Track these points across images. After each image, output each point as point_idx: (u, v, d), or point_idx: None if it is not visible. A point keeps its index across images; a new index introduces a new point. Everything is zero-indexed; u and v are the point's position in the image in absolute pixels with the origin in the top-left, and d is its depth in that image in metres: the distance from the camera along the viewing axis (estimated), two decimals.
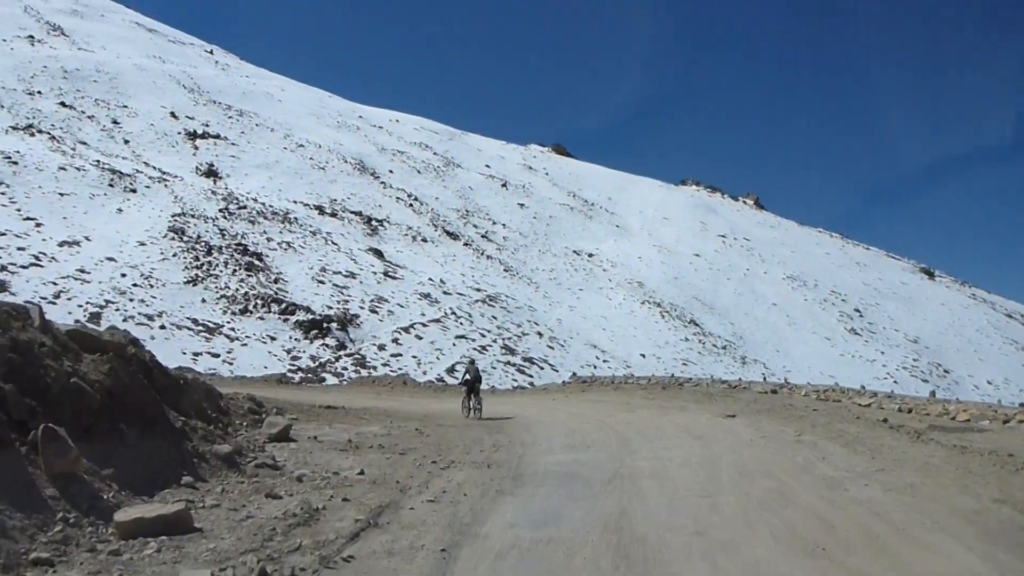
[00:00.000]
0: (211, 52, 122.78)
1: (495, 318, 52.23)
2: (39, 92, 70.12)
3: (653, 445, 15.40)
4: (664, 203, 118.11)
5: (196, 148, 70.53)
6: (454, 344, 44.33)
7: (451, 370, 40.33)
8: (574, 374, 45.73)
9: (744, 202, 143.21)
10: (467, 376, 22.30)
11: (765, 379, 45.70)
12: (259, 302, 42.04)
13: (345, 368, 37.87)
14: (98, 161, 56.11)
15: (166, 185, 55.93)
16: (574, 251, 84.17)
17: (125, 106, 74.61)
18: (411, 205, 76.45)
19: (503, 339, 48.15)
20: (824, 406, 21.80)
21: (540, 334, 52.49)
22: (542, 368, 45.07)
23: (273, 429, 13.79)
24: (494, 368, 42.34)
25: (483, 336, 47.40)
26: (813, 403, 22.88)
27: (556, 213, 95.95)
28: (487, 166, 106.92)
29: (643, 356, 57.96)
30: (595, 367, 49.78)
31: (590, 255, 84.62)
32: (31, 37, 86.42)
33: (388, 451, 14.00)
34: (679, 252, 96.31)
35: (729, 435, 16.73)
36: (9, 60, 75.43)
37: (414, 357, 40.91)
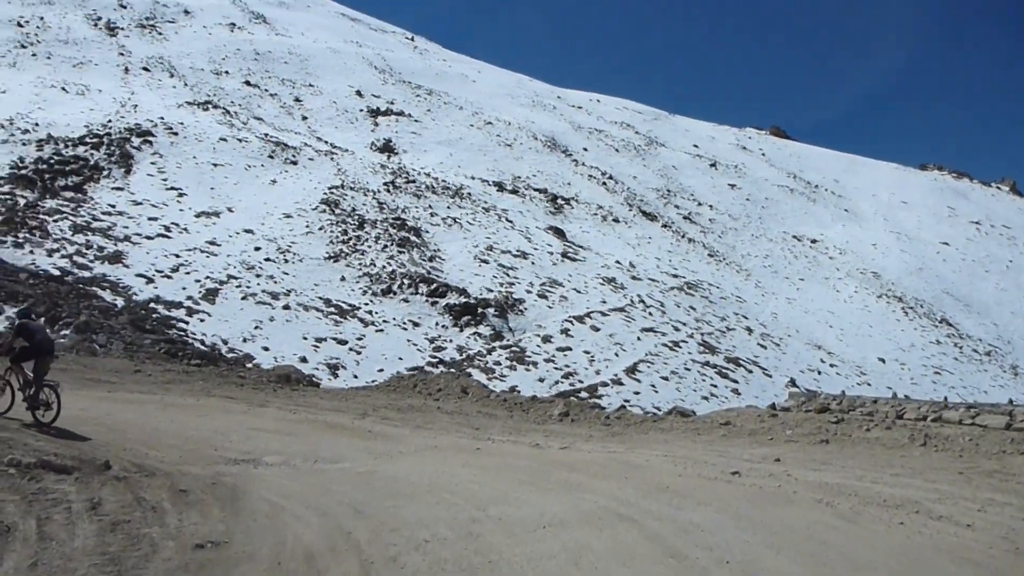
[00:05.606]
0: (411, 39, 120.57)
1: (693, 308, 43.20)
2: (226, 72, 68.61)
3: None
4: (901, 186, 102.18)
5: (376, 124, 66.26)
6: (638, 339, 35.92)
7: (632, 370, 32.07)
8: (792, 380, 35.97)
9: (998, 188, 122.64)
10: (19, 340, 11.18)
11: None
12: (406, 281, 35.68)
13: (498, 363, 30.62)
14: (265, 134, 52.57)
15: (332, 158, 51.37)
16: (794, 236, 72.63)
17: (311, 85, 71.93)
18: (604, 183, 68.31)
19: (702, 334, 39.10)
20: None
21: (749, 330, 42.88)
22: (750, 371, 35.65)
23: None
24: (687, 369, 33.53)
25: (677, 330, 38.63)
26: None
27: (773, 195, 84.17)
28: (695, 146, 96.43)
29: (882, 361, 46.79)
30: (819, 372, 39.70)
31: (813, 241, 72.74)
32: (232, 24, 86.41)
33: None
34: (922, 239, 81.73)
35: None
36: (204, 44, 74.98)
37: (586, 352, 32.96)
